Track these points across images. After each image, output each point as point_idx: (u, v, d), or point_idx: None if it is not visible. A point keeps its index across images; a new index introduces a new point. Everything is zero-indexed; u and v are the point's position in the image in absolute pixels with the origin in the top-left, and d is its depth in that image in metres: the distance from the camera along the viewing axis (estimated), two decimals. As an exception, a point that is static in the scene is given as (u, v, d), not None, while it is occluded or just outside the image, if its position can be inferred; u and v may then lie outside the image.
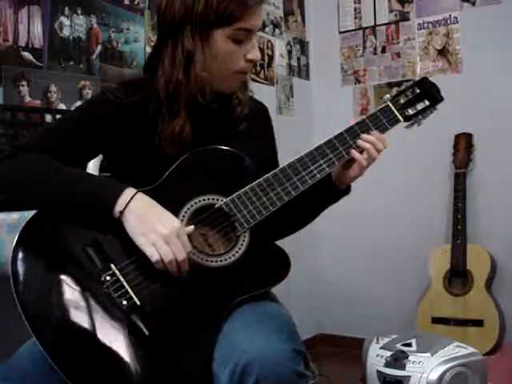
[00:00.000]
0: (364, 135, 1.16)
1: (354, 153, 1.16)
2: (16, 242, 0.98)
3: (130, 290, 0.98)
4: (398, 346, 1.87)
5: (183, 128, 1.11)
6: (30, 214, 1.13)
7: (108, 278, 0.98)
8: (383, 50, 3.07)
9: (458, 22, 2.83)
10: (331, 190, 1.22)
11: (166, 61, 1.10)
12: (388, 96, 1.22)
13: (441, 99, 1.25)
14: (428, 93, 1.24)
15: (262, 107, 1.31)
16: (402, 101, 1.22)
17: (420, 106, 1.23)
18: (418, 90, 1.23)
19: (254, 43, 1.12)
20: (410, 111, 1.22)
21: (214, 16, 1.06)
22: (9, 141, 1.69)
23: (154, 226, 0.98)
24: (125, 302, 0.97)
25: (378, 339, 1.94)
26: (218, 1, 1.05)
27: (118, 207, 0.99)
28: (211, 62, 1.09)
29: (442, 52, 2.88)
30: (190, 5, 1.06)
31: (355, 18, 3.15)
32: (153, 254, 0.97)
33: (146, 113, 1.12)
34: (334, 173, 1.20)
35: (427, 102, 1.24)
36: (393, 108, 1.21)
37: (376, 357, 1.87)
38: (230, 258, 1.06)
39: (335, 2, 3.21)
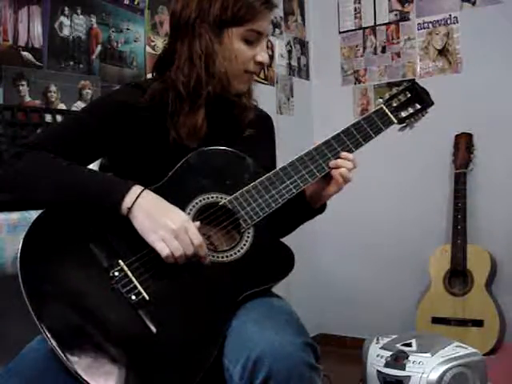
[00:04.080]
0: (333, 161, 1.16)
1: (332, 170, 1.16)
2: (24, 240, 0.99)
3: (138, 285, 1.00)
4: (398, 345, 1.87)
5: (203, 121, 1.15)
6: (30, 214, 1.13)
7: (116, 273, 1.00)
8: (383, 49, 3.07)
9: (458, 22, 2.83)
10: (305, 207, 1.25)
11: (183, 58, 1.15)
12: (381, 100, 1.26)
13: (431, 103, 1.29)
14: (419, 97, 1.28)
15: (267, 117, 1.36)
16: (395, 104, 1.26)
17: (412, 109, 1.27)
18: (409, 94, 1.27)
19: (264, 46, 1.18)
20: (403, 114, 1.26)
21: (228, 16, 1.12)
22: (8, 141, 1.69)
23: (162, 222, 1.00)
24: (133, 297, 0.99)
25: (378, 339, 1.94)
26: (233, 3, 1.11)
27: (126, 204, 1.01)
28: (224, 60, 1.15)
29: (442, 52, 2.88)
30: (207, 7, 1.12)
31: (355, 18, 3.15)
32: (163, 249, 0.99)
33: (156, 111, 1.16)
34: (310, 190, 1.21)
35: (418, 106, 1.28)
36: (386, 110, 1.24)
37: (376, 357, 1.87)
38: (235, 253, 1.08)
39: (335, 2, 3.21)
